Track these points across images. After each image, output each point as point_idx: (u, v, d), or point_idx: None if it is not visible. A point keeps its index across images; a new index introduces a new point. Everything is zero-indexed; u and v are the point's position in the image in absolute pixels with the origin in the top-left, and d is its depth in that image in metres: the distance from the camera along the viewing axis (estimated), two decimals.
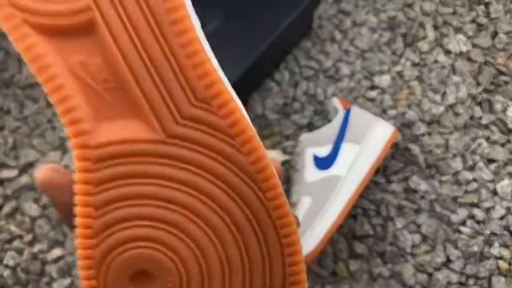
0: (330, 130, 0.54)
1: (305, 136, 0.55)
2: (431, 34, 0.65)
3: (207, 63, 0.20)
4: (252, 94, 0.63)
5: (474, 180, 0.57)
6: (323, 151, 0.54)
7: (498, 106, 0.60)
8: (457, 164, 0.58)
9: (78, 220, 0.20)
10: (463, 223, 0.55)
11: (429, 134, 0.59)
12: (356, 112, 0.55)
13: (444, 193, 0.56)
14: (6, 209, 0.58)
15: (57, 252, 0.56)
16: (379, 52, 0.64)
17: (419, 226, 0.55)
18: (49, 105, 0.63)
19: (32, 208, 0.58)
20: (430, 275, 0.53)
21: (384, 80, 0.62)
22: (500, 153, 0.58)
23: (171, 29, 0.19)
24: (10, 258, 0.56)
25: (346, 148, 0.53)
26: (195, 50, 0.20)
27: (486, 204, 0.56)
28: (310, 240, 0.50)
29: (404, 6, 0.67)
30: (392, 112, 0.60)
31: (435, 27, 0.65)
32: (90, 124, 0.20)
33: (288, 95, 0.62)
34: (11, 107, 0.63)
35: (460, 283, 0.53)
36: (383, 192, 0.57)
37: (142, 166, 0.20)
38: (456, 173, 0.57)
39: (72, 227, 0.22)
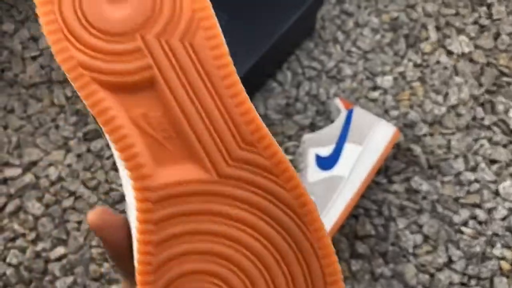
0: (333, 130, 0.54)
1: (307, 137, 0.55)
2: (433, 35, 0.65)
3: (253, 111, 0.23)
4: (254, 94, 0.63)
5: (476, 180, 0.57)
6: (325, 151, 0.54)
7: (500, 107, 0.60)
8: (459, 164, 0.58)
9: (138, 257, 0.22)
10: (465, 223, 0.55)
11: (431, 134, 0.59)
12: (358, 113, 0.55)
13: (446, 194, 0.57)
14: (10, 207, 0.58)
15: (60, 250, 0.56)
16: (381, 53, 0.64)
17: (421, 226, 0.55)
18: (53, 104, 0.63)
19: (35, 207, 0.58)
20: (432, 275, 0.53)
21: (386, 81, 0.62)
22: (502, 154, 0.58)
23: (221, 84, 0.22)
24: (13, 257, 0.56)
25: (348, 149, 0.53)
26: (242, 100, 0.22)
27: (488, 205, 0.56)
28: None
29: (406, 7, 0.67)
30: (394, 113, 0.60)
31: (438, 28, 0.65)
32: (150, 169, 0.22)
33: (290, 95, 0.63)
34: (15, 106, 0.63)
35: (462, 284, 0.53)
36: (385, 193, 0.57)
37: (197, 205, 0.22)
38: (458, 173, 0.57)
39: (123, 266, 0.24)
